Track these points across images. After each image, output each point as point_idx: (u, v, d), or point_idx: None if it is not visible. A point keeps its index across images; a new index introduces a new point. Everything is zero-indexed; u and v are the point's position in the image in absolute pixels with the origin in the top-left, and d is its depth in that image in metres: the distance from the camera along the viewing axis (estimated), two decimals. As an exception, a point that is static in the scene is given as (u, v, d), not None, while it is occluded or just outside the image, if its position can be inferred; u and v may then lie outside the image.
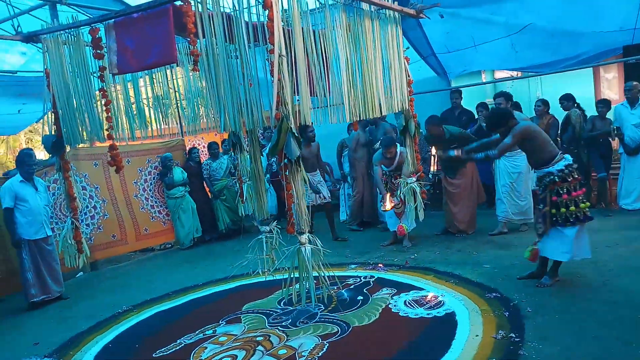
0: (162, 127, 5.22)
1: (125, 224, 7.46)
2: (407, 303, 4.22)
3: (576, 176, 4.05)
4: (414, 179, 5.86)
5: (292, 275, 3.88)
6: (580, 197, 4.02)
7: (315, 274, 3.78)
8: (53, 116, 5.08)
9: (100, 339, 4.34)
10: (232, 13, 3.86)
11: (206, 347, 3.82)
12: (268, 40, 3.58)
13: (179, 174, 7.82)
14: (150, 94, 5.01)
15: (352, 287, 4.80)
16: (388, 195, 5.95)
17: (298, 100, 3.80)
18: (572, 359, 3.00)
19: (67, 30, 4.73)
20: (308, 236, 3.76)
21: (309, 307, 4.21)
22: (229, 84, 3.88)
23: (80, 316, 5.02)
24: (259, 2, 3.78)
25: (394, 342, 3.55)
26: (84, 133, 4.90)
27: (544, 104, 6.82)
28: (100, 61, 4.58)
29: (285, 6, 3.89)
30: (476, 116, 7.21)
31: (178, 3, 3.87)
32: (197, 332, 4.15)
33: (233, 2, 3.80)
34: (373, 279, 4.96)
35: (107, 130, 4.79)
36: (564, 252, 4.08)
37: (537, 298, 3.97)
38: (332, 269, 4.19)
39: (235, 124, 3.93)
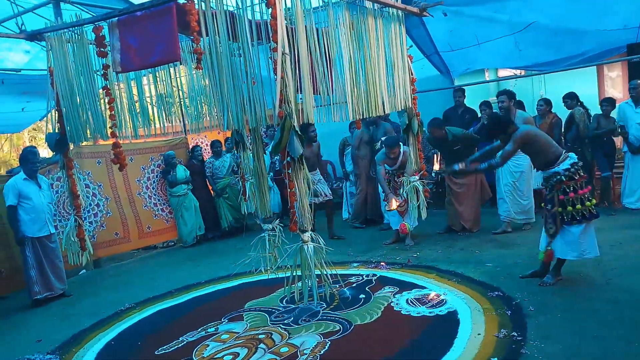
0: (166, 125, 5.23)
1: (128, 222, 7.48)
2: (409, 301, 4.22)
3: (582, 174, 4.06)
4: (417, 177, 5.86)
5: (294, 273, 3.88)
6: (586, 195, 4.02)
7: (317, 272, 3.78)
8: (57, 114, 5.09)
9: (103, 337, 4.36)
10: (235, 11, 3.85)
11: (208, 345, 3.83)
12: (271, 39, 3.58)
13: (181, 172, 7.83)
14: (153, 92, 5.02)
15: (354, 285, 4.81)
16: (392, 195, 5.95)
17: (301, 98, 3.79)
18: (574, 358, 3.00)
19: (70, 29, 4.73)
20: (311, 234, 3.76)
21: (311, 305, 4.22)
22: (232, 82, 3.88)
23: (83, 313, 5.04)
24: (262, 0, 3.77)
25: (396, 340, 3.55)
26: (88, 131, 4.91)
27: (546, 103, 6.81)
28: (104, 59, 4.58)
29: (289, 4, 3.88)
30: (479, 114, 7.20)
31: (181, 1, 3.87)
32: (199, 329, 4.16)
33: (236, 0, 3.79)
34: (375, 277, 4.96)
35: (110, 128, 4.79)
36: (572, 251, 4.08)
37: (540, 297, 3.96)
38: (335, 267, 4.18)
39: (238, 122, 3.94)
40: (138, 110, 4.94)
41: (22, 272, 5.56)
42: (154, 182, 7.92)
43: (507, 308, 3.82)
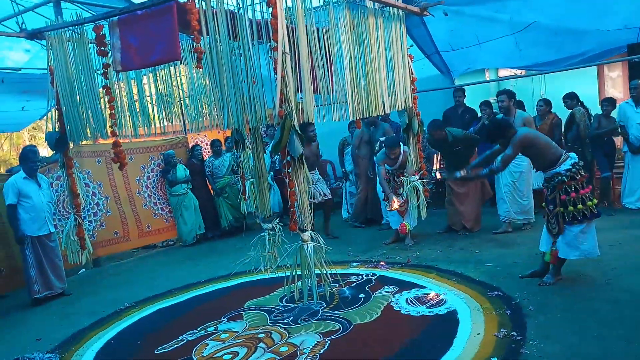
0: (166, 124, 5.23)
1: (128, 221, 7.48)
2: (409, 301, 4.22)
3: (583, 173, 4.06)
4: (417, 176, 5.86)
5: (294, 273, 3.88)
6: (587, 195, 4.03)
7: (317, 271, 3.78)
8: (57, 113, 5.09)
9: (103, 335, 4.35)
10: (236, 10, 3.85)
11: (208, 344, 3.82)
12: (272, 38, 3.59)
13: (181, 171, 7.83)
14: (153, 91, 5.02)
15: (354, 284, 4.80)
16: (394, 196, 5.95)
17: (301, 97, 3.80)
18: (574, 357, 3.00)
19: (71, 28, 4.74)
20: (310, 233, 3.77)
21: (310, 304, 4.22)
22: (232, 82, 3.88)
23: (82, 312, 5.04)
24: (262, -1, 3.78)
25: (396, 339, 3.55)
26: (88, 130, 4.91)
27: (545, 103, 6.80)
28: (104, 58, 4.58)
29: (289, 3, 3.88)
30: (479, 114, 7.20)
31: (182, 0, 3.88)
32: (198, 329, 4.16)
33: (237, 0, 3.80)
34: (375, 277, 4.96)
35: (110, 127, 4.79)
36: (573, 251, 4.08)
37: (540, 297, 3.96)
38: (334, 266, 4.18)
39: (238, 121, 3.94)
40: (138, 110, 4.94)
41: (21, 271, 5.56)
42: (153, 181, 7.91)
43: (507, 308, 3.82)
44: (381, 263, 5.40)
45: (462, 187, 6.31)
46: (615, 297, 3.78)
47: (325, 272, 3.83)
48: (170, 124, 5.40)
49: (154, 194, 7.91)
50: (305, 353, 3.45)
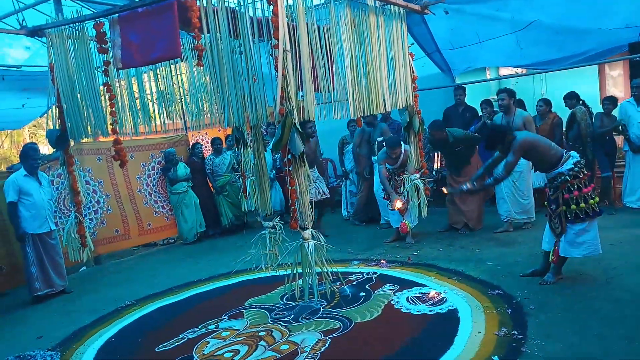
0: (166, 122, 5.22)
1: (128, 219, 7.48)
2: (409, 299, 4.22)
3: (586, 172, 4.06)
4: (418, 175, 5.85)
5: (295, 271, 3.88)
6: (589, 193, 4.03)
7: (318, 269, 3.78)
8: (57, 111, 5.09)
9: (104, 333, 4.36)
10: (236, 8, 3.85)
11: (209, 342, 3.83)
12: (272, 36, 3.58)
13: (182, 169, 7.83)
14: (154, 89, 5.01)
15: (354, 283, 4.80)
16: (396, 195, 5.95)
17: (302, 95, 3.79)
18: (575, 356, 3.00)
19: (71, 25, 4.73)
20: (311, 232, 3.76)
21: (311, 302, 4.22)
22: (233, 79, 3.88)
23: (83, 310, 5.04)
24: (263, -3, 3.77)
25: (396, 338, 3.55)
26: (88, 127, 4.90)
27: (545, 103, 6.79)
28: (105, 56, 4.58)
29: (290, 1, 3.87)
30: (480, 113, 7.19)
31: (183, -2, 3.87)
32: (199, 326, 4.16)
33: (238, -3, 3.80)
34: (376, 275, 4.96)
35: (111, 124, 4.79)
36: (574, 249, 4.08)
37: (541, 295, 3.96)
38: (335, 264, 4.19)
39: (239, 119, 3.93)
40: (139, 107, 4.94)
41: (22, 268, 5.56)
42: (154, 179, 7.91)
43: (508, 306, 3.82)
44: (382, 261, 5.40)
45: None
46: (616, 296, 3.78)
47: (326, 270, 3.83)
48: (170, 121, 5.38)
49: (155, 191, 7.90)
50: (306, 351, 3.45)
